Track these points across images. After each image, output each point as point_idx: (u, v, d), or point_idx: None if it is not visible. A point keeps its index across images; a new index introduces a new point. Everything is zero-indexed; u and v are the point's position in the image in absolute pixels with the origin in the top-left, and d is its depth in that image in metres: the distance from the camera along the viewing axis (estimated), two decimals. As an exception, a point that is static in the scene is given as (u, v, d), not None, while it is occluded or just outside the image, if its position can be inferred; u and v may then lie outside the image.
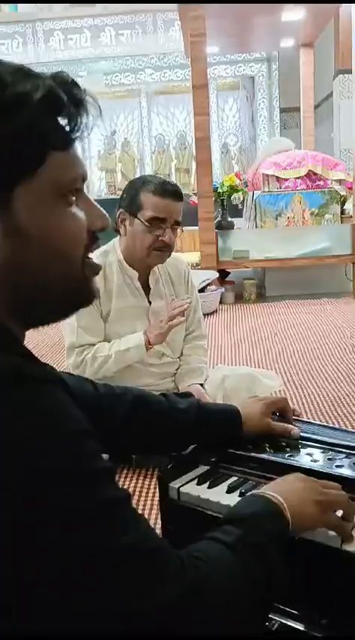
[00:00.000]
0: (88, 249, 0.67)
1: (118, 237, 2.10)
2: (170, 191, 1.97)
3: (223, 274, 5.18)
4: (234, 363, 3.18)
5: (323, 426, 1.30)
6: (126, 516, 0.59)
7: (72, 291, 0.67)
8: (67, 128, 0.62)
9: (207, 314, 4.52)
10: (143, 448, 1.16)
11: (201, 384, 2.13)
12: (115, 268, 2.08)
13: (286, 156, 5.27)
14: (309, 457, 1.10)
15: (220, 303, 4.84)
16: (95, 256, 2.10)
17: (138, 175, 12.05)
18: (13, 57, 11.10)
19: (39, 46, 11.11)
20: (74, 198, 0.65)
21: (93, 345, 2.04)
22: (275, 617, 0.99)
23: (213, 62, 10.90)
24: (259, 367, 2.99)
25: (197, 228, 4.93)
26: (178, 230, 2.04)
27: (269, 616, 0.99)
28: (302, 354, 3.38)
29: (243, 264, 4.99)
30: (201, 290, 4.55)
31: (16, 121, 0.58)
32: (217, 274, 4.77)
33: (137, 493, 1.80)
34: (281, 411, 1.21)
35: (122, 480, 1.93)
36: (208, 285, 4.61)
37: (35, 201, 0.60)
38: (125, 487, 1.88)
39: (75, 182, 0.64)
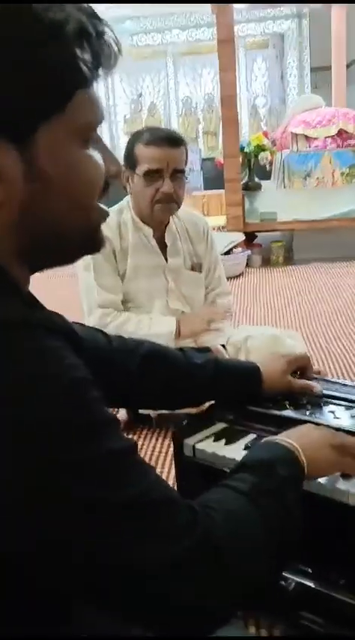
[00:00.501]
0: (101, 194, 0.64)
1: (130, 195, 2.05)
2: (163, 138, 1.89)
3: (250, 237, 5.07)
4: (259, 324, 3.12)
5: (346, 384, 1.25)
6: (131, 466, 0.57)
7: (85, 238, 0.65)
8: (92, 64, 0.58)
9: (233, 277, 4.45)
10: (158, 403, 1.13)
11: (223, 345, 2.08)
12: (130, 226, 2.03)
13: (316, 113, 5.08)
14: (332, 414, 1.06)
15: (247, 266, 4.75)
16: (111, 213, 2.06)
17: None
18: (37, 18, 10.92)
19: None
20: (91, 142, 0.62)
21: (116, 303, 2.01)
22: (291, 577, 0.96)
23: (241, 20, 10.57)
24: (285, 329, 2.93)
25: (224, 191, 4.81)
26: (185, 180, 1.97)
27: (286, 575, 0.96)
28: (329, 315, 3.30)
29: (270, 226, 4.87)
30: (227, 252, 4.47)
31: (50, 53, 0.54)
32: (243, 236, 4.68)
33: (156, 453, 1.79)
34: (302, 369, 1.16)
35: (141, 440, 1.92)
36: (234, 247, 4.52)
37: (58, 143, 0.57)
38: (145, 447, 1.86)
39: (96, 123, 0.61)
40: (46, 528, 0.51)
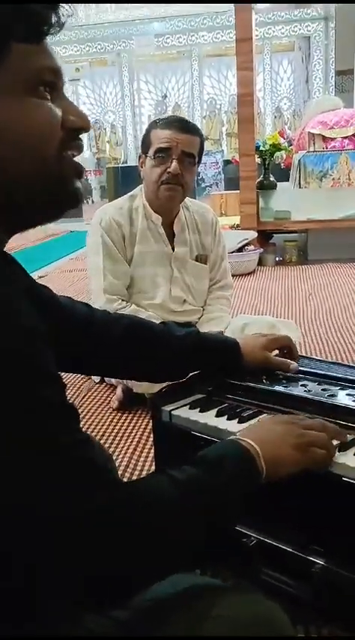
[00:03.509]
0: (64, 145, 0.66)
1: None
2: (176, 121, 1.97)
3: (267, 237, 5.10)
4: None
5: (328, 362, 1.30)
6: (62, 419, 0.59)
7: (50, 190, 0.66)
8: (35, 22, 0.62)
9: (245, 274, 4.48)
10: (140, 373, 1.17)
11: (221, 332, 2.13)
12: (140, 212, 2.09)
13: (334, 114, 5.09)
14: (303, 388, 1.10)
15: (260, 264, 4.78)
16: (122, 200, 2.12)
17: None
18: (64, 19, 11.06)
19: (90, 8, 11.03)
20: (49, 95, 0.65)
21: (122, 291, 2.07)
22: (253, 535, 1.01)
23: (267, 22, 10.60)
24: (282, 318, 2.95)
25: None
26: (193, 167, 2.01)
27: (247, 532, 1.00)
28: (336, 313, 3.31)
29: (284, 225, 4.90)
30: (239, 250, 4.50)
31: None
32: (256, 234, 4.71)
33: (148, 432, 1.83)
34: (287, 349, 1.20)
35: (135, 418, 1.98)
36: (247, 245, 4.56)
37: (2, 93, 0.61)
38: (138, 426, 1.92)
39: (44, 73, 0.64)
40: None
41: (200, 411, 1.09)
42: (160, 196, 2.02)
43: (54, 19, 0.64)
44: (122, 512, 0.60)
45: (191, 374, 1.16)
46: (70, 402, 0.61)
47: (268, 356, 1.16)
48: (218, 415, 1.06)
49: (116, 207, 2.11)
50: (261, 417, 1.05)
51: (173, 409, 1.11)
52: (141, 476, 1.58)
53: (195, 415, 1.08)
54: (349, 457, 0.88)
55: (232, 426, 1.02)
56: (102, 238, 2.04)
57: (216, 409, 1.08)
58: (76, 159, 0.70)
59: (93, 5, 10.87)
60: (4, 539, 0.56)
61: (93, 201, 11.36)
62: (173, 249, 2.14)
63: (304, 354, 2.48)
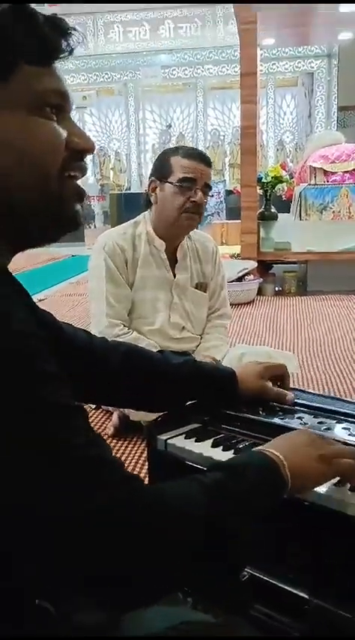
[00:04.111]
0: (67, 166, 0.68)
1: (149, 210, 2.13)
2: (198, 154, 2.04)
3: (266, 267, 5.14)
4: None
5: (324, 396, 1.29)
6: (63, 419, 0.58)
7: (50, 209, 0.67)
8: (45, 46, 0.64)
9: (245, 304, 4.50)
10: (136, 402, 1.16)
11: (219, 361, 2.13)
12: (143, 238, 2.11)
13: (335, 149, 5.17)
14: (299, 420, 1.10)
15: (259, 294, 4.80)
16: (126, 226, 2.15)
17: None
18: (73, 48, 11.32)
19: (98, 38, 11.27)
20: (55, 116, 0.66)
21: (123, 316, 2.08)
22: (247, 570, 0.99)
23: (272, 57, 10.81)
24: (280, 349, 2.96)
25: (241, 219, 4.90)
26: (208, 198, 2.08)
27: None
28: (334, 345, 3.32)
29: (284, 255, 4.94)
30: (239, 279, 4.53)
31: None
32: (256, 264, 4.74)
33: (143, 459, 1.82)
34: (279, 378, 1.20)
35: (131, 446, 1.96)
36: (246, 274, 4.58)
37: (6, 110, 0.62)
38: (134, 453, 1.91)
39: (51, 95, 0.65)
40: None
41: (196, 441, 1.08)
42: (179, 224, 2.05)
43: (64, 44, 0.66)
44: (146, 514, 0.59)
45: (187, 403, 1.16)
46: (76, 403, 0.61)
47: (264, 385, 1.15)
48: (214, 446, 1.05)
49: (119, 232, 2.13)
50: (256, 449, 1.04)
51: (169, 438, 1.10)
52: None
53: (190, 445, 1.07)
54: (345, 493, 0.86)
55: (227, 457, 1.01)
56: (105, 262, 2.05)
57: (212, 439, 1.07)
58: (80, 183, 0.71)
59: (103, 36, 11.11)
60: (4, 539, 0.55)
61: (95, 226, 11.45)
62: (174, 276, 2.15)
63: (301, 386, 2.50)
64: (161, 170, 2.04)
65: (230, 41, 10.57)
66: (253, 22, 4.53)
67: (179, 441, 1.09)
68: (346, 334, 3.56)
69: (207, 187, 2.03)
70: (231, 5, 5.22)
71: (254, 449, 0.81)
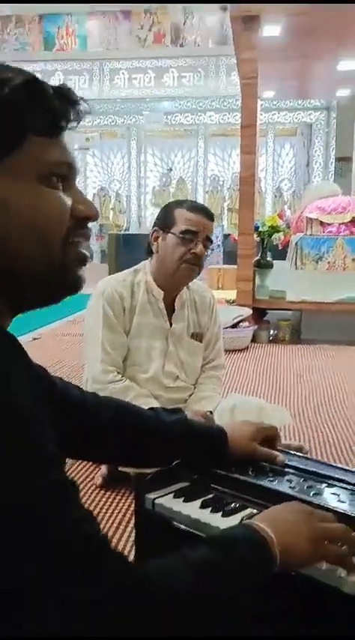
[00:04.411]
0: (71, 233, 0.69)
1: (150, 258, 2.16)
2: (202, 208, 2.09)
3: (261, 314, 5.17)
4: (252, 395, 3.16)
5: (315, 460, 1.29)
6: (60, 501, 0.59)
7: (52, 275, 0.68)
8: (53, 118, 0.66)
9: (238, 350, 4.52)
10: (126, 459, 1.17)
11: (210, 412, 2.13)
12: (142, 286, 2.13)
13: (332, 201, 5.28)
14: (288, 483, 1.10)
15: (253, 341, 4.82)
16: (126, 273, 2.17)
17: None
18: (79, 92, 11.57)
19: (104, 84, 11.56)
20: (61, 185, 0.68)
21: (118, 363, 2.08)
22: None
23: (272, 108, 11.09)
24: (279, 405, 2.96)
25: (237, 265, 4.96)
26: (209, 252, 2.11)
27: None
28: (325, 396, 3.33)
29: (278, 304, 4.98)
30: (234, 326, 4.56)
31: None
32: (251, 311, 4.77)
33: (131, 510, 1.80)
34: (270, 439, 1.20)
35: (118, 497, 1.94)
36: (241, 321, 4.61)
37: (15, 179, 0.64)
38: (121, 505, 1.89)
39: (58, 166, 0.67)
40: None
41: (184, 501, 1.08)
42: (179, 274, 2.08)
43: (73, 114, 0.68)
44: (133, 598, 0.59)
45: (177, 461, 1.16)
46: (69, 477, 0.61)
47: (255, 447, 1.15)
48: (202, 507, 1.05)
49: (119, 279, 2.15)
50: (245, 511, 1.04)
51: (157, 497, 1.10)
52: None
53: (178, 505, 1.06)
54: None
55: (215, 519, 1.00)
56: (103, 309, 2.06)
57: (201, 500, 1.07)
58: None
59: (108, 81, 11.40)
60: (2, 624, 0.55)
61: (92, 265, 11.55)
62: (171, 325, 2.17)
63: (291, 436, 2.48)
64: (165, 221, 2.08)
65: (231, 91, 10.87)
66: (254, 77, 4.68)
67: (167, 501, 1.08)
68: (337, 386, 3.57)
69: (208, 241, 2.07)
70: (234, 57, 5.40)
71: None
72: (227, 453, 1.13)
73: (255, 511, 1.02)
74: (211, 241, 2.11)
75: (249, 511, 1.03)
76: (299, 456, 1.26)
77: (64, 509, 0.58)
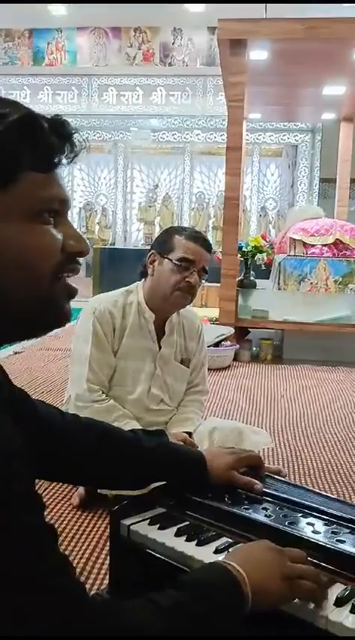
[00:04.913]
0: (61, 268, 0.69)
1: (143, 280, 2.16)
2: (201, 238, 2.10)
3: (243, 333, 5.20)
4: (233, 419, 3.17)
5: (293, 484, 1.29)
6: (37, 547, 0.59)
7: (39, 308, 0.68)
8: (48, 153, 0.67)
9: (220, 369, 4.53)
10: (105, 482, 1.17)
11: (189, 433, 2.13)
12: (134, 308, 2.13)
13: (315, 223, 5.34)
14: (265, 511, 1.10)
15: (235, 360, 4.84)
16: (118, 293, 2.16)
17: (174, 229, 12.33)
18: (68, 107, 11.63)
19: (93, 99, 11.63)
20: (52, 220, 0.68)
21: (104, 383, 2.08)
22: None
23: (258, 128, 11.22)
24: (259, 426, 2.96)
25: (220, 284, 4.99)
26: (203, 281, 2.11)
27: None
28: (305, 418, 3.34)
29: (261, 323, 5.01)
30: (216, 344, 4.57)
31: None
32: (233, 330, 4.80)
33: (108, 533, 1.79)
34: (254, 467, 1.20)
35: (95, 519, 1.93)
36: (223, 340, 4.63)
37: (7, 215, 0.64)
38: (98, 526, 1.87)
39: (51, 202, 0.67)
40: None
41: (159, 528, 1.07)
42: (171, 301, 2.09)
43: (68, 149, 0.68)
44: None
45: (154, 485, 1.16)
46: (48, 521, 0.61)
47: (233, 475, 1.15)
48: (177, 535, 1.05)
49: (111, 299, 2.15)
50: (220, 540, 1.04)
51: (132, 524, 1.10)
52: (94, 586, 1.53)
53: (153, 533, 1.06)
54: (343, 615, 0.80)
55: (190, 548, 1.00)
56: (93, 327, 2.06)
57: (176, 527, 1.07)
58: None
59: (97, 97, 11.47)
60: None
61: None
62: (160, 348, 2.17)
63: (269, 458, 2.49)
64: (163, 245, 2.09)
65: (218, 111, 10.97)
66: (241, 100, 4.74)
67: (142, 528, 1.08)
68: (317, 407, 3.59)
69: (203, 271, 2.08)
70: (221, 78, 5.47)
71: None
72: (205, 479, 1.13)
73: (230, 540, 1.02)
74: (206, 272, 2.10)
75: (224, 540, 1.04)
76: (277, 480, 1.27)
77: (37, 557, 0.58)
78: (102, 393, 2.07)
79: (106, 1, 8.77)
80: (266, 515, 1.08)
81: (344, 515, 1.07)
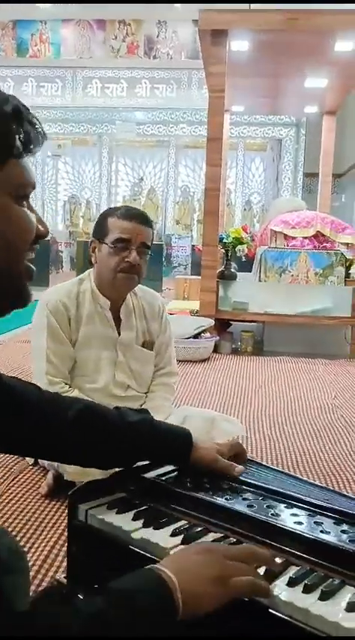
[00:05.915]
0: (30, 248, 0.76)
1: (93, 267, 2.14)
2: (136, 214, 2.04)
3: (224, 325, 5.19)
4: (213, 406, 3.16)
5: (280, 471, 1.25)
6: None
7: (9, 286, 0.74)
8: (24, 141, 0.74)
9: (199, 361, 4.52)
10: (85, 459, 1.14)
11: (162, 422, 2.11)
12: (88, 296, 2.11)
13: (296, 215, 5.34)
14: (246, 502, 1.05)
15: (215, 351, 4.83)
16: (70, 283, 2.12)
17: (160, 222, 12.32)
18: (51, 99, 11.55)
19: (77, 92, 11.55)
20: (25, 203, 0.76)
21: (64, 374, 2.05)
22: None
23: (243, 122, 11.23)
24: (235, 416, 2.95)
25: (202, 276, 4.98)
26: (146, 257, 2.07)
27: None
28: (282, 408, 3.34)
29: (241, 315, 5.01)
30: (196, 336, 4.56)
31: None
32: (212, 322, 4.79)
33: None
34: (236, 455, 1.18)
35: (63, 508, 1.90)
36: (203, 332, 4.62)
37: None
38: (65, 517, 1.85)
39: (26, 187, 0.75)
40: None
41: (117, 513, 1.06)
42: (116, 284, 2.05)
43: (41, 138, 0.76)
44: None
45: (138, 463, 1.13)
46: None
47: (217, 456, 1.12)
48: (135, 519, 1.03)
49: (63, 289, 2.13)
50: (179, 523, 1.02)
51: (90, 508, 1.08)
52: (56, 577, 1.51)
53: (110, 517, 1.04)
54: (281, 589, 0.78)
55: (147, 532, 0.98)
56: (47, 319, 2.04)
57: (134, 512, 1.05)
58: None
59: (81, 89, 11.39)
60: None
61: (62, 271, 11.47)
62: (119, 334, 2.15)
63: (250, 449, 2.48)
64: (99, 231, 2.06)
65: (203, 104, 10.91)
66: (222, 90, 4.72)
67: (99, 512, 1.06)
68: (294, 397, 3.59)
69: (144, 247, 2.04)
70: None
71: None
72: (189, 458, 1.11)
73: (187, 524, 1.00)
74: (148, 247, 2.06)
75: (181, 523, 1.02)
76: (264, 467, 1.24)
77: None
78: (65, 384, 2.05)
79: (94, 2, 8.71)
80: (249, 505, 1.05)
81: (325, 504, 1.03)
